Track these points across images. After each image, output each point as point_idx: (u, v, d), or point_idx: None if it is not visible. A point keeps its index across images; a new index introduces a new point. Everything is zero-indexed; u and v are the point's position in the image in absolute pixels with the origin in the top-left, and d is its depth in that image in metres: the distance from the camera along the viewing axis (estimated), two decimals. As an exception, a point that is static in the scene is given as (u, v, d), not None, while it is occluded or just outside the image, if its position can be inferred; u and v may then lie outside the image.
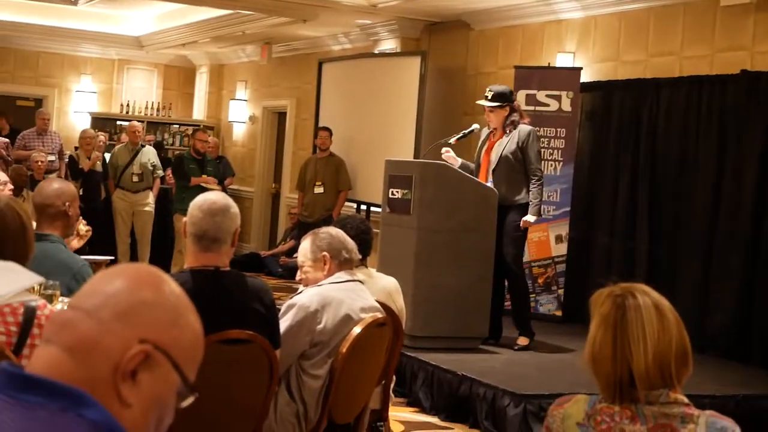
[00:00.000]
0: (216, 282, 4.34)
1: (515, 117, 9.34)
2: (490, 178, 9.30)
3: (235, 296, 4.38)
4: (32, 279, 3.71)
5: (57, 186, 5.45)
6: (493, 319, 9.37)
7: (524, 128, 9.32)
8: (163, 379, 1.80)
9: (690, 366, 2.98)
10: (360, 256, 5.39)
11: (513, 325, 9.61)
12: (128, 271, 1.89)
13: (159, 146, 17.15)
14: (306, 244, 5.16)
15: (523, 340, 9.45)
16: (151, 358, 1.78)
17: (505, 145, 9.28)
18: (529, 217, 9.23)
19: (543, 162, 10.22)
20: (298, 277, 5.24)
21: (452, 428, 8.01)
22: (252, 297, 4.42)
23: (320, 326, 4.84)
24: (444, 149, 9.58)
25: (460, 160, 9.49)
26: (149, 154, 14.79)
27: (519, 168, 9.27)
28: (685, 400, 2.94)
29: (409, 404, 8.58)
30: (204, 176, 14.23)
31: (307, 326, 4.83)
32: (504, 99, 9.33)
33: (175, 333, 1.82)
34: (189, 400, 1.85)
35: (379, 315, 5.05)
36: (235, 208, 4.43)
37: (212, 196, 4.42)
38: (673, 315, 2.98)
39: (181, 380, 1.83)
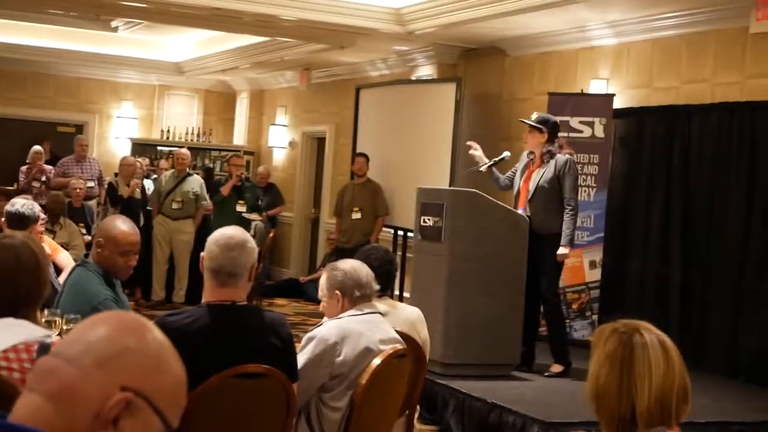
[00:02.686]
0: (233, 316, 4.35)
1: (553, 148, 9.37)
2: (527, 207, 9.33)
3: (252, 330, 4.39)
4: (28, 336, 3.55)
5: (103, 224, 5.59)
6: (526, 345, 9.38)
7: (561, 158, 9.37)
8: (146, 424, 1.83)
9: (690, 403, 2.99)
10: (378, 287, 5.39)
11: (548, 351, 9.61)
12: (112, 318, 1.92)
13: (209, 172, 17.22)
14: (322, 280, 5.21)
15: (556, 368, 9.45)
16: (132, 405, 1.80)
17: (542, 174, 9.33)
18: (562, 250, 9.27)
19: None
20: (320, 308, 5.28)
21: (482, 456, 8.00)
22: (269, 331, 4.43)
23: (339, 359, 4.86)
24: (473, 144, 9.81)
25: (486, 161, 9.63)
26: (193, 183, 14.75)
27: (556, 197, 9.31)
28: (682, 438, 2.95)
29: (440, 432, 8.59)
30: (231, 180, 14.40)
31: (327, 359, 4.85)
32: (545, 125, 9.40)
33: (156, 379, 1.85)
34: (173, 444, 1.88)
35: (399, 346, 5.06)
36: (252, 242, 4.45)
37: (229, 231, 4.45)
38: (676, 352, 2.99)
39: (164, 425, 1.85)
